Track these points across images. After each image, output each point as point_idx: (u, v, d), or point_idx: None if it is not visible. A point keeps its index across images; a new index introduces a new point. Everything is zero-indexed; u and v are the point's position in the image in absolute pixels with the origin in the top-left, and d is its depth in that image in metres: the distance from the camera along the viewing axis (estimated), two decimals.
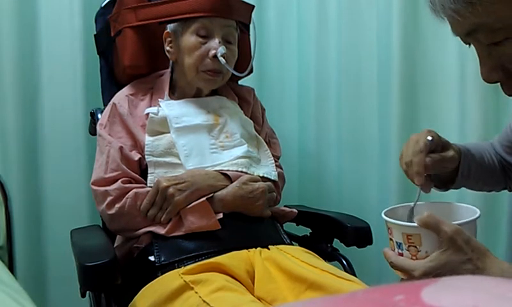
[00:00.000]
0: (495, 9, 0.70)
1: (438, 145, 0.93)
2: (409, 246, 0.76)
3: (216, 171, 1.24)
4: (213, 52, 1.28)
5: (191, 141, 1.26)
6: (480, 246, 0.73)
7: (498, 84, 0.79)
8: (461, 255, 0.72)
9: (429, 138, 0.90)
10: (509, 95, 0.81)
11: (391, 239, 0.80)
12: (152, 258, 1.14)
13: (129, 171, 1.23)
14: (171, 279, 1.05)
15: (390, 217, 0.80)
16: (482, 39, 0.75)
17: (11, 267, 1.13)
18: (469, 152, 1.02)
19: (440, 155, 0.92)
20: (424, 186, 0.90)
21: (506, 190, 1.11)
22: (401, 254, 0.78)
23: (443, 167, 0.93)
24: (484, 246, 0.74)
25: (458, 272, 0.71)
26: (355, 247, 1.30)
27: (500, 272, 0.71)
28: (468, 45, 0.81)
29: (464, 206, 0.88)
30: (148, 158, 1.23)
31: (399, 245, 0.78)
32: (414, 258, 0.76)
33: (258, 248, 1.15)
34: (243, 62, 1.40)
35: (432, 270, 0.72)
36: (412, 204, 0.88)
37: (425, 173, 0.89)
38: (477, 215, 0.80)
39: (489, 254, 0.73)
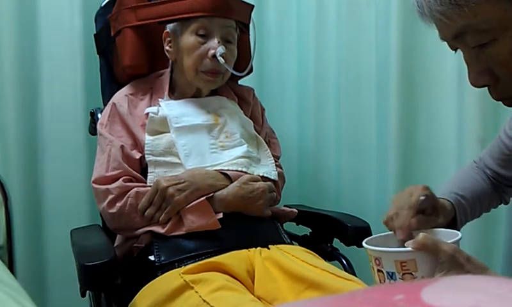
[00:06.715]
0: (481, 10, 0.70)
1: (430, 205, 0.90)
2: (403, 274, 0.70)
3: (215, 170, 1.24)
4: (212, 51, 1.28)
5: (191, 141, 1.26)
6: (480, 263, 0.71)
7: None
8: (464, 274, 0.68)
9: (422, 197, 0.87)
10: (497, 100, 0.79)
11: (380, 270, 0.73)
12: (151, 258, 1.14)
13: (130, 169, 1.23)
14: (171, 279, 1.05)
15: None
16: (469, 42, 0.75)
17: (11, 267, 1.13)
18: (460, 196, 1.00)
19: (427, 218, 0.89)
20: (402, 241, 0.85)
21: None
22: None
23: (426, 228, 0.90)
24: (483, 263, 0.71)
25: None
26: (355, 246, 1.30)
27: None
28: (454, 51, 0.80)
29: (444, 230, 0.84)
30: (148, 158, 1.23)
31: (391, 275, 0.71)
32: None
33: (258, 248, 1.15)
34: (243, 62, 1.40)
35: None
36: (387, 233, 0.85)
37: (408, 229, 0.85)
38: (459, 236, 0.76)
39: (490, 271, 0.71)
